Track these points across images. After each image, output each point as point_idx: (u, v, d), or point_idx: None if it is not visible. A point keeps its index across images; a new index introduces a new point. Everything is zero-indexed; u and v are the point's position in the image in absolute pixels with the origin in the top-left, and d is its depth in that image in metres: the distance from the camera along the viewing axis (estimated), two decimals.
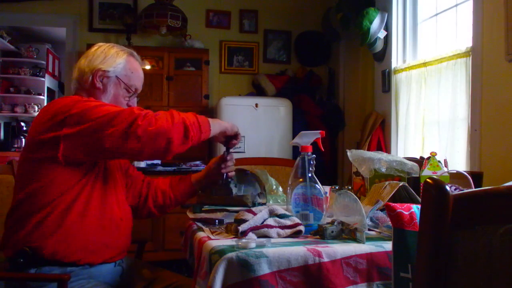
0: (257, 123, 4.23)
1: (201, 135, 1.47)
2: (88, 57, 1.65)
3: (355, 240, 1.32)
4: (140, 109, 1.44)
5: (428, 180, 0.79)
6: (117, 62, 1.64)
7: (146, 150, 1.40)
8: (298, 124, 4.39)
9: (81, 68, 1.63)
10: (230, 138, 1.67)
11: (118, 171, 1.71)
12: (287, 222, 1.42)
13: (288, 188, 1.53)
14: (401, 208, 1.07)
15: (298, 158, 1.52)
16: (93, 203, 1.52)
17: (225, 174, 1.76)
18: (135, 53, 1.73)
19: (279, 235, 1.37)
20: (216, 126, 1.56)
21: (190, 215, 1.77)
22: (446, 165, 1.88)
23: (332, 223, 1.38)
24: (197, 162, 4.18)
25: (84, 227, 1.49)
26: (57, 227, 1.46)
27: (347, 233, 1.36)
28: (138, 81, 1.70)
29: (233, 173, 1.80)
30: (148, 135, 1.37)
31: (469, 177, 1.62)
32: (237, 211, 1.57)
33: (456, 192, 0.78)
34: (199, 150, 4.40)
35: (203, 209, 1.87)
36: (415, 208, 1.06)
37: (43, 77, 6.20)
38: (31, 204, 1.47)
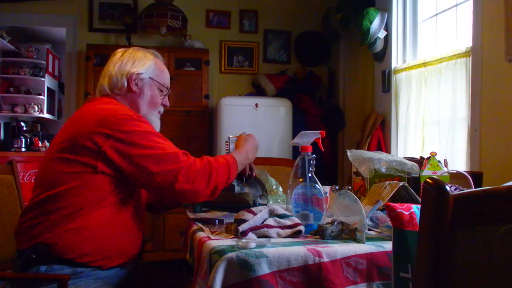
0: (257, 123, 4.23)
1: (228, 183, 1.60)
2: (116, 63, 1.66)
3: (355, 240, 1.32)
4: (185, 155, 1.51)
5: (428, 180, 0.79)
6: (148, 64, 1.68)
7: (172, 199, 1.59)
8: (298, 124, 4.39)
9: (112, 74, 1.64)
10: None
11: None
12: (287, 222, 1.42)
13: (288, 188, 1.53)
14: (401, 208, 1.07)
15: (298, 158, 1.52)
16: (118, 212, 1.52)
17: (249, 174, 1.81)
18: (158, 54, 1.78)
19: (279, 235, 1.37)
20: (241, 159, 1.68)
21: (190, 215, 1.77)
22: (446, 165, 1.88)
23: (332, 223, 1.38)
24: None
25: (105, 232, 1.49)
26: (79, 228, 1.45)
27: (347, 233, 1.36)
28: (167, 80, 1.76)
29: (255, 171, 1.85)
30: (182, 192, 1.48)
31: (469, 177, 1.62)
32: (237, 211, 1.57)
33: (456, 192, 0.78)
34: (199, 150, 4.41)
35: (203, 209, 1.87)
36: (415, 208, 1.07)
37: (43, 77, 6.20)
38: (56, 203, 1.46)
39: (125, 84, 1.63)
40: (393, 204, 1.09)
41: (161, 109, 1.74)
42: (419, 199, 1.49)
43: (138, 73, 1.64)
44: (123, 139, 1.44)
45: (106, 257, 1.51)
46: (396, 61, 3.77)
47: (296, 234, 1.38)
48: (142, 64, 1.66)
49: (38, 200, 1.50)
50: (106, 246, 1.51)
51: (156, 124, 1.71)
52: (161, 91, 1.71)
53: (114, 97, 1.64)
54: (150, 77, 1.67)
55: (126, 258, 1.59)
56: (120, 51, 1.70)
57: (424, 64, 3.30)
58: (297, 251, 1.21)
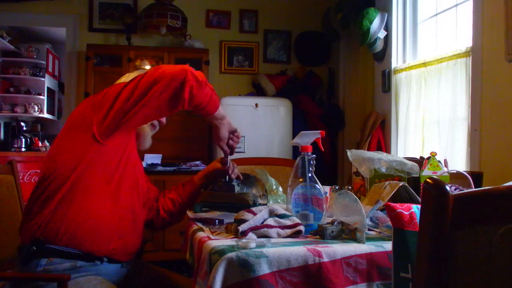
0: (257, 123, 4.23)
1: (213, 93, 1.60)
2: (127, 74, 1.79)
3: (355, 240, 1.32)
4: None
5: (428, 180, 0.79)
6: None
7: (162, 84, 1.49)
8: (298, 124, 4.40)
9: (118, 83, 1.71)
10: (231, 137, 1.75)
11: (142, 178, 1.77)
12: (287, 222, 1.42)
13: (288, 188, 1.53)
14: (401, 208, 1.07)
15: (298, 158, 1.52)
16: (121, 191, 1.57)
17: (229, 176, 1.79)
18: None
19: (279, 235, 1.37)
20: (222, 109, 1.68)
21: (190, 215, 1.77)
22: (446, 165, 1.88)
23: (332, 223, 1.38)
24: (197, 162, 4.18)
25: (105, 212, 1.52)
26: (77, 211, 1.48)
27: (347, 233, 1.36)
28: None
29: (238, 172, 1.84)
30: (163, 72, 1.49)
31: (469, 177, 1.62)
32: (237, 211, 1.57)
33: (456, 192, 0.78)
34: (199, 150, 4.41)
35: (203, 209, 1.87)
36: (415, 208, 1.07)
37: (43, 77, 6.20)
38: (57, 177, 1.49)
39: None
40: (393, 204, 1.09)
41: (155, 122, 1.81)
42: (419, 199, 1.49)
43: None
44: (109, 95, 1.54)
45: (104, 239, 1.52)
46: (396, 61, 3.77)
47: (296, 234, 1.38)
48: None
49: (37, 194, 1.53)
50: (104, 227, 1.52)
51: (147, 137, 1.79)
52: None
53: None
54: None
55: (124, 246, 1.59)
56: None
57: (424, 64, 3.30)
58: (297, 251, 1.21)
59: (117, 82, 1.74)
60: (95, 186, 1.52)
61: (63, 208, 1.47)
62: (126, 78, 1.74)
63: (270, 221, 1.42)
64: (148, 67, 4.38)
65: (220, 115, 1.66)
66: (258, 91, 4.74)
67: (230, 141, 1.73)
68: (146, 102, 1.49)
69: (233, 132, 1.73)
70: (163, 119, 1.81)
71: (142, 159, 4.05)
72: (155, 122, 1.80)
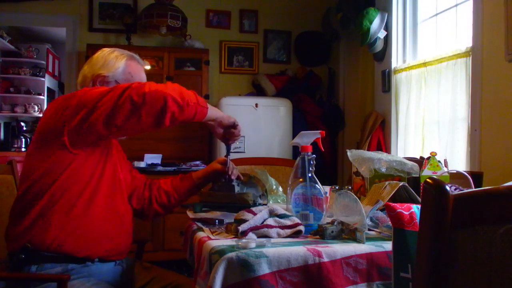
0: (257, 123, 4.23)
1: (198, 106, 1.47)
2: (90, 62, 1.66)
3: (355, 240, 1.32)
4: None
5: (428, 180, 0.79)
6: (116, 67, 1.65)
7: (143, 113, 1.38)
8: (298, 124, 4.39)
9: (84, 73, 1.66)
10: (229, 131, 1.69)
11: (124, 171, 1.73)
12: (287, 222, 1.42)
13: (288, 188, 1.53)
14: (401, 208, 1.07)
15: (298, 158, 1.52)
16: (100, 195, 1.54)
17: (228, 176, 1.78)
18: (136, 56, 1.73)
19: (279, 235, 1.37)
20: (212, 109, 1.58)
21: (190, 215, 1.77)
22: (446, 165, 1.88)
23: (332, 223, 1.38)
24: (197, 162, 4.18)
25: (89, 217, 1.50)
26: (62, 217, 1.46)
27: (347, 233, 1.36)
28: None
29: (237, 172, 1.82)
30: (143, 96, 1.37)
31: (469, 177, 1.62)
32: (237, 211, 1.57)
33: (456, 192, 0.78)
34: (199, 150, 4.41)
35: (203, 209, 1.87)
36: (415, 208, 1.07)
37: (43, 77, 6.20)
38: (36, 192, 1.47)
39: (91, 84, 1.63)
40: (393, 204, 1.09)
41: None
42: (419, 199, 1.49)
43: (104, 76, 1.63)
44: (76, 103, 1.46)
45: (94, 243, 1.51)
46: (396, 61, 3.77)
47: (296, 234, 1.38)
48: (111, 67, 1.64)
49: (20, 194, 1.52)
50: (92, 232, 1.51)
51: None
52: None
53: None
54: (116, 81, 1.64)
55: (115, 246, 1.58)
56: (100, 50, 1.70)
57: (424, 64, 3.30)
58: (297, 251, 1.21)
59: (84, 70, 1.66)
60: (75, 196, 1.49)
61: (45, 222, 1.46)
62: (90, 68, 1.65)
63: (270, 221, 1.42)
64: (148, 67, 4.39)
65: (210, 117, 1.59)
66: (258, 91, 4.74)
67: (227, 136, 1.71)
68: (124, 127, 1.43)
69: (230, 126, 1.68)
70: None
71: (142, 159, 4.05)
72: None
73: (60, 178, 1.47)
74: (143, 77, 1.72)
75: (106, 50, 1.69)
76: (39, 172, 1.48)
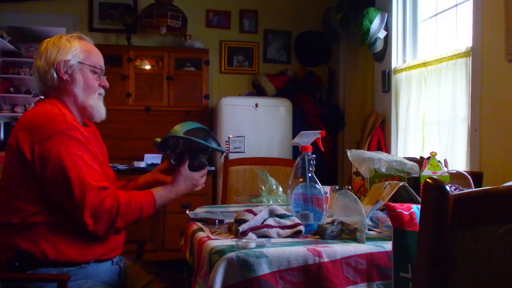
0: (257, 123, 4.23)
1: (142, 213, 1.57)
2: (42, 55, 1.60)
3: (355, 240, 1.32)
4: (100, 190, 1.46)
5: (428, 180, 0.79)
6: (73, 49, 1.62)
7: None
8: (298, 124, 4.39)
9: (40, 67, 1.59)
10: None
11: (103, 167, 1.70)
12: (287, 222, 1.42)
13: (288, 188, 1.53)
14: (401, 208, 1.07)
15: (298, 158, 1.52)
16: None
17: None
18: (83, 36, 1.72)
19: (279, 235, 1.37)
20: (167, 196, 1.66)
21: (190, 215, 1.77)
22: (446, 165, 1.88)
23: (332, 223, 1.38)
24: None
25: (72, 224, 1.48)
26: (46, 227, 1.45)
27: (347, 233, 1.36)
28: (99, 59, 1.68)
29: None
30: (83, 224, 1.44)
31: (469, 177, 1.62)
32: (237, 211, 1.57)
33: (456, 192, 0.78)
34: None
35: (203, 209, 1.87)
36: (415, 208, 1.07)
37: None
38: (15, 205, 1.47)
39: (54, 74, 1.58)
40: (393, 204, 1.09)
41: (101, 91, 1.68)
42: (419, 199, 1.49)
43: (65, 61, 1.58)
44: (47, 156, 1.44)
45: (83, 248, 1.50)
46: (396, 61, 3.77)
47: (296, 234, 1.38)
48: (67, 51, 1.60)
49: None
50: (79, 239, 1.49)
51: (99, 108, 1.65)
52: (95, 72, 1.64)
53: (50, 93, 1.60)
54: (78, 62, 1.61)
55: (106, 246, 1.57)
56: (45, 42, 1.64)
57: (424, 64, 3.30)
58: (297, 251, 1.21)
59: (38, 65, 1.60)
60: (59, 212, 1.48)
61: (31, 233, 1.45)
62: (45, 61, 1.59)
63: (270, 221, 1.42)
64: (148, 67, 4.40)
65: (167, 199, 1.66)
66: (258, 91, 4.74)
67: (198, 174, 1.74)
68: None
69: (194, 182, 1.71)
70: (106, 83, 1.69)
71: (142, 159, 4.05)
72: (101, 90, 1.68)
73: (39, 208, 1.46)
74: (99, 53, 1.71)
75: (50, 40, 1.64)
76: (15, 207, 1.47)
